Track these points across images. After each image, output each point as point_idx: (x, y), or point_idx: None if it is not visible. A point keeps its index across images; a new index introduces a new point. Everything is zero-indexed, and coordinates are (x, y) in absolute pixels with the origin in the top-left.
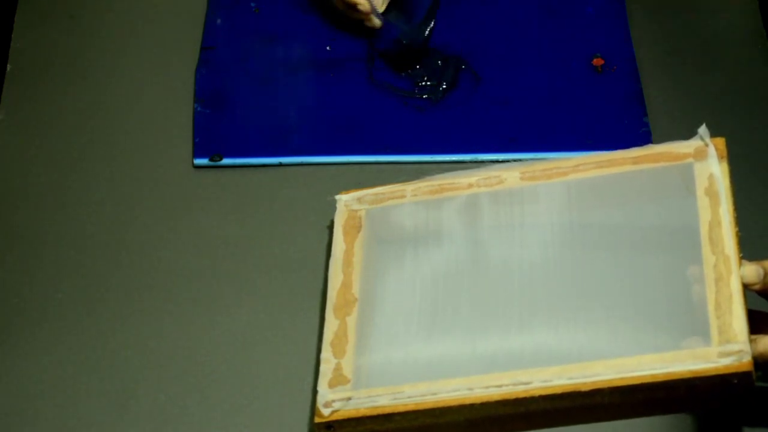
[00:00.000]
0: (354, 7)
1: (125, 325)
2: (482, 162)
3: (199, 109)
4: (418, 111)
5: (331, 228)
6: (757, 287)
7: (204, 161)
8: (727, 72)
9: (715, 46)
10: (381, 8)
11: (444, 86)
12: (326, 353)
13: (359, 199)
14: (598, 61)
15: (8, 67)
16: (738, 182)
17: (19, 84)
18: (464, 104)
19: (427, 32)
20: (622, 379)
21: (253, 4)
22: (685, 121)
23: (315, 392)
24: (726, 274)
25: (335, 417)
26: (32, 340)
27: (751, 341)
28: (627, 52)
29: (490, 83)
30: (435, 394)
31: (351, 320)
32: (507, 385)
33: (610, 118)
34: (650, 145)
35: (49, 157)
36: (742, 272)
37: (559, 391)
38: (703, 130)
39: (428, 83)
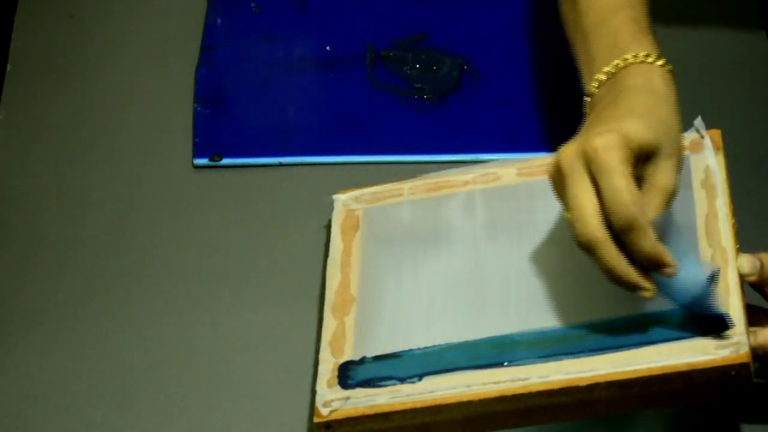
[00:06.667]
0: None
1: (125, 325)
2: (482, 162)
3: (199, 109)
4: (418, 111)
5: (328, 228)
6: (752, 279)
7: (204, 161)
8: (727, 73)
9: (714, 46)
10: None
11: (444, 86)
12: (325, 353)
13: (357, 199)
14: None
15: (8, 67)
16: (737, 180)
17: (19, 84)
18: (464, 104)
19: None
20: (619, 373)
21: (253, 4)
22: (685, 122)
23: (314, 392)
24: (723, 266)
25: (334, 416)
26: (32, 340)
27: (749, 333)
28: None
29: (490, 83)
30: (433, 392)
31: (349, 320)
32: (505, 382)
33: None
34: None
35: (49, 157)
36: (738, 263)
37: (556, 386)
38: (698, 122)
39: (427, 85)
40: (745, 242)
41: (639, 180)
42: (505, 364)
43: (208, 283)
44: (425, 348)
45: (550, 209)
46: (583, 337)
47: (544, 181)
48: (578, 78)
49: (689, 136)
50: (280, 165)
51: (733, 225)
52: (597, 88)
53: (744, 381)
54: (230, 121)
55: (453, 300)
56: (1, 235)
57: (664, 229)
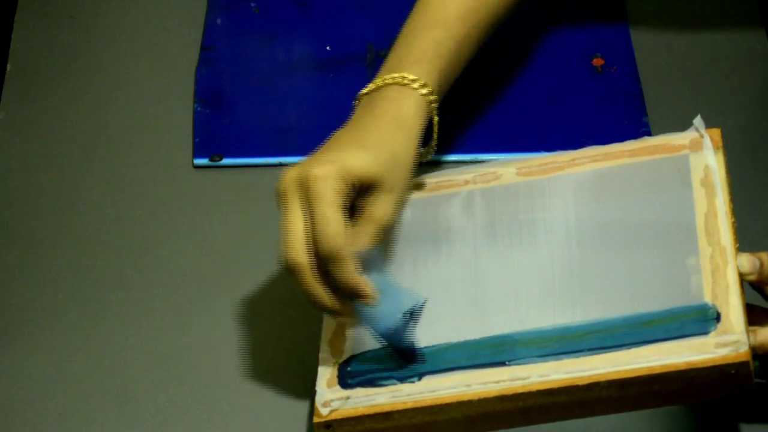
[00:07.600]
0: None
1: (125, 325)
2: (482, 162)
3: (199, 109)
4: None
5: None
6: (752, 278)
7: (204, 161)
8: (727, 72)
9: (715, 46)
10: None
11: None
12: (324, 353)
13: None
14: (598, 61)
15: (8, 67)
16: (737, 179)
17: (19, 84)
18: (464, 104)
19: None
20: (619, 372)
21: (253, 4)
22: (685, 122)
23: (314, 392)
24: (722, 265)
25: (334, 416)
26: (32, 340)
27: (749, 332)
28: (627, 52)
29: (490, 83)
30: (433, 391)
31: None
32: (504, 381)
33: (609, 118)
34: (646, 138)
35: (49, 157)
36: (738, 262)
37: (556, 385)
38: (698, 121)
39: None
40: (744, 241)
41: (357, 210)
42: (505, 363)
43: (208, 282)
44: (425, 348)
45: (549, 208)
46: (582, 336)
47: (543, 180)
48: (578, 78)
49: (689, 135)
50: (280, 165)
51: (733, 224)
52: (365, 94)
53: (744, 380)
54: (230, 121)
55: (453, 299)
56: (1, 235)
57: (373, 260)
